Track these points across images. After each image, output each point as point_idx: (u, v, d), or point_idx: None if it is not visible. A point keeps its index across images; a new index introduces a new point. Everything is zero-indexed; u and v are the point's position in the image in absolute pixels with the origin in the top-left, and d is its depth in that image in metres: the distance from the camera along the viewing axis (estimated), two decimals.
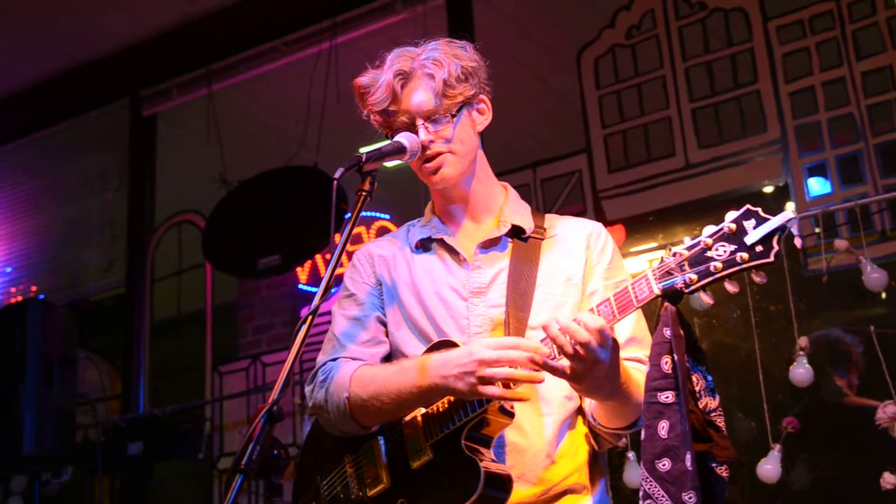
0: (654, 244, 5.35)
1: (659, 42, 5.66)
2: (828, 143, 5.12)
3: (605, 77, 5.82)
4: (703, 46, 5.54)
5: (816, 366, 4.35)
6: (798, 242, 2.03)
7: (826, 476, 4.69)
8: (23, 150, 8.15)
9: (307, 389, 2.60)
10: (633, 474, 4.52)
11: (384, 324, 2.62)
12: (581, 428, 2.51)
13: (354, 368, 2.49)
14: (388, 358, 2.60)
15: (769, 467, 4.22)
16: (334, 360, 2.58)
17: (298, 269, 6.94)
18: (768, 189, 5.30)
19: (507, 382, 2.21)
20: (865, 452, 4.42)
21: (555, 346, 2.19)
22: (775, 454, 4.23)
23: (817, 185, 5.15)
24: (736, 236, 2.01)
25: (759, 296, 4.70)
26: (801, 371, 4.25)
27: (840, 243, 4.31)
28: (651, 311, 2.27)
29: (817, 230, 4.62)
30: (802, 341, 4.25)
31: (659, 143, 5.57)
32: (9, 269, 7.96)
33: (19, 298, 7.59)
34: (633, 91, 5.72)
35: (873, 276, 4.22)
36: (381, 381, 2.40)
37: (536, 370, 2.21)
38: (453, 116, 2.52)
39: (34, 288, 7.65)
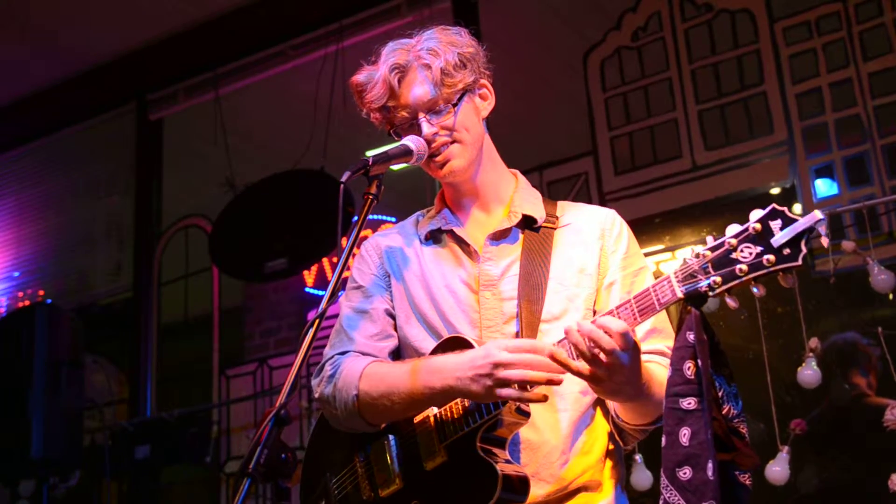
0: (660, 246, 5.35)
1: (665, 44, 5.66)
2: (835, 144, 5.12)
3: (611, 79, 5.82)
4: (709, 48, 5.54)
5: (829, 368, 4.34)
6: (825, 242, 1.96)
7: (834, 478, 4.69)
8: (30, 154, 8.17)
9: (314, 382, 2.56)
10: (641, 476, 4.51)
11: (393, 316, 2.58)
12: (599, 423, 2.45)
13: (364, 365, 2.44)
14: (396, 351, 2.56)
15: (777, 469, 4.21)
16: (342, 353, 2.53)
17: (305, 273, 6.96)
18: (775, 191, 5.29)
19: (523, 384, 2.17)
20: (874, 454, 4.42)
21: (573, 350, 2.13)
22: (783, 456, 4.22)
23: (824, 187, 5.14)
24: (762, 237, 1.93)
25: (767, 297, 4.68)
26: (809, 373, 4.23)
27: (847, 245, 4.29)
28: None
29: (822, 233, 4.61)
30: (813, 342, 4.23)
31: (665, 145, 5.57)
32: (16, 274, 7.98)
33: (27, 303, 7.61)
34: (640, 93, 5.72)
35: (880, 278, 4.20)
36: (392, 381, 2.36)
37: (556, 371, 2.16)
38: (454, 105, 2.46)
39: (41, 292, 7.67)
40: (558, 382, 2.18)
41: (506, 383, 2.16)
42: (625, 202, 5.53)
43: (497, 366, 2.16)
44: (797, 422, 4.36)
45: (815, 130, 5.18)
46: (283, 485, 3.77)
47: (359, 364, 2.46)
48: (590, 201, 5.64)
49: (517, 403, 2.24)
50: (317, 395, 2.54)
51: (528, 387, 2.18)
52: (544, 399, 2.20)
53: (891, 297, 4.49)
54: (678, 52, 5.60)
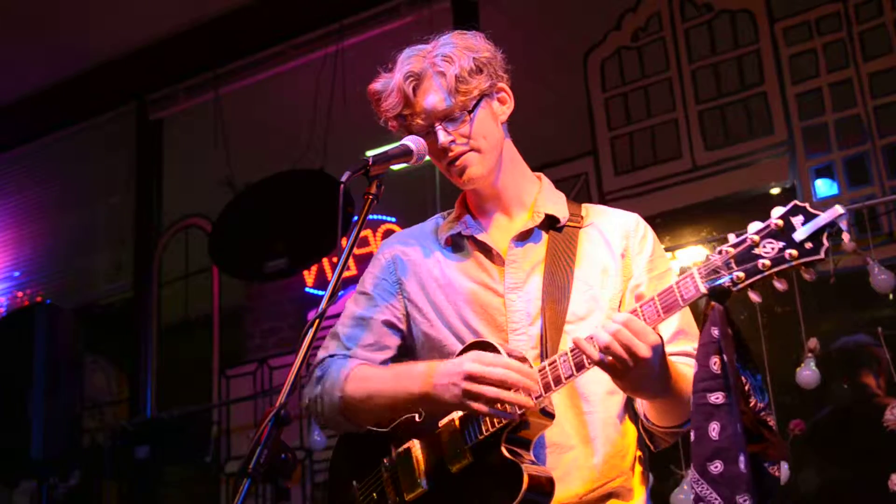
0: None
1: (665, 44, 5.66)
2: (835, 144, 5.12)
3: (611, 79, 5.82)
4: (709, 48, 5.54)
5: (830, 369, 4.33)
6: (846, 238, 1.95)
7: (834, 478, 4.69)
8: (30, 154, 8.17)
9: (306, 387, 2.58)
10: None
11: (394, 327, 2.58)
12: (629, 427, 2.44)
13: (351, 368, 2.47)
14: (397, 360, 2.56)
15: None
16: (332, 356, 2.56)
17: (305, 273, 6.95)
18: (775, 191, 5.29)
19: (492, 401, 2.19)
20: (874, 454, 4.42)
21: (597, 344, 2.11)
22: None
23: (824, 187, 5.14)
24: (784, 233, 1.95)
25: (766, 297, 4.69)
26: (807, 373, 4.23)
27: (847, 245, 4.29)
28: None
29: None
30: (812, 343, 4.23)
31: (665, 145, 5.57)
32: (16, 274, 7.98)
33: (27, 303, 7.61)
34: (640, 93, 5.72)
35: (880, 278, 4.20)
36: (376, 384, 2.40)
37: (529, 389, 2.18)
38: (470, 112, 2.45)
39: (42, 292, 7.67)
40: (532, 407, 2.20)
41: (475, 396, 2.18)
42: (625, 202, 5.53)
43: (467, 377, 2.19)
44: (796, 422, 4.36)
45: (815, 131, 5.18)
46: (283, 485, 3.77)
47: (346, 366, 2.49)
48: (590, 202, 5.64)
49: (542, 404, 2.25)
50: (306, 400, 2.57)
51: (499, 404, 2.19)
52: (515, 419, 2.22)
53: (891, 297, 4.49)
54: (678, 52, 5.60)
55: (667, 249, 5.23)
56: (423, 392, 2.28)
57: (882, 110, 5.01)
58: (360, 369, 2.47)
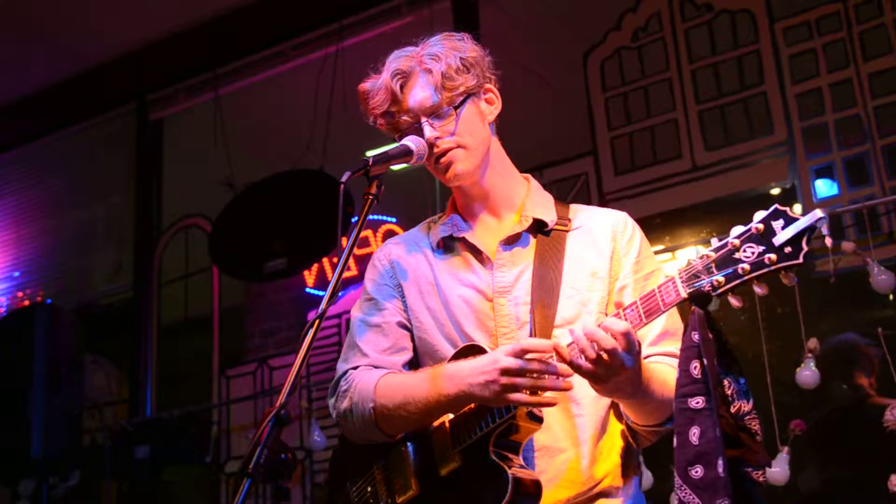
0: (660, 247, 5.34)
1: (665, 44, 5.66)
2: (835, 144, 5.11)
3: (611, 79, 5.81)
4: (709, 48, 5.54)
5: (829, 369, 4.33)
6: (829, 242, 1.98)
7: (834, 478, 4.69)
8: (30, 154, 8.17)
9: (330, 401, 2.56)
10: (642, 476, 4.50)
11: (406, 328, 2.58)
12: (615, 426, 2.45)
13: (378, 377, 2.45)
14: (412, 364, 2.56)
15: (777, 469, 4.20)
16: (356, 368, 2.53)
17: (305, 273, 6.95)
18: (775, 191, 5.29)
19: (533, 389, 2.19)
20: (874, 454, 4.42)
21: (578, 351, 2.14)
22: (783, 456, 4.22)
23: (824, 187, 5.14)
24: (764, 237, 1.96)
25: (766, 298, 4.68)
26: (807, 373, 4.23)
27: (847, 245, 4.29)
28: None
29: (825, 232, 4.60)
30: (812, 343, 4.23)
31: (665, 145, 5.56)
32: (16, 274, 7.98)
33: (27, 303, 7.62)
34: (640, 93, 5.72)
35: (880, 278, 4.20)
36: (407, 391, 2.37)
37: (563, 376, 2.18)
38: (456, 109, 2.47)
39: (41, 292, 7.67)
40: (568, 388, 2.20)
41: (514, 388, 2.17)
42: (625, 202, 5.53)
43: (504, 371, 2.17)
44: (797, 422, 4.36)
45: (815, 131, 5.17)
46: (283, 485, 3.77)
47: (373, 377, 2.47)
48: (589, 202, 5.67)
49: (529, 408, 2.25)
50: (334, 413, 2.55)
51: (539, 391, 2.19)
52: (554, 403, 2.22)
53: (891, 297, 4.49)
54: (678, 52, 5.60)
55: (667, 249, 5.26)
56: (460, 392, 2.26)
57: (882, 110, 5.01)
58: (388, 378, 2.45)
